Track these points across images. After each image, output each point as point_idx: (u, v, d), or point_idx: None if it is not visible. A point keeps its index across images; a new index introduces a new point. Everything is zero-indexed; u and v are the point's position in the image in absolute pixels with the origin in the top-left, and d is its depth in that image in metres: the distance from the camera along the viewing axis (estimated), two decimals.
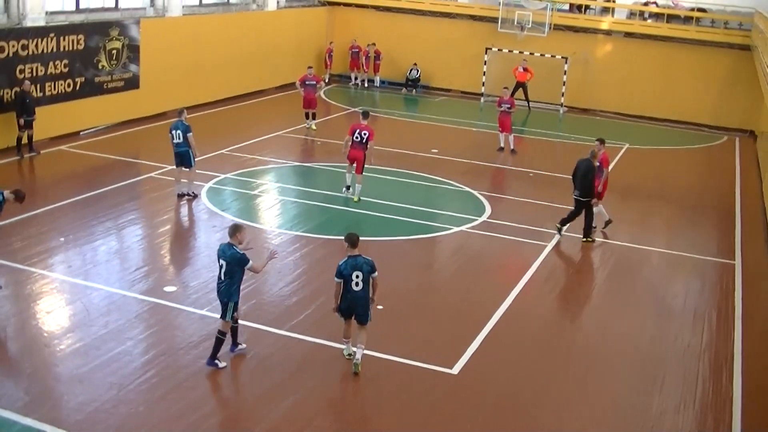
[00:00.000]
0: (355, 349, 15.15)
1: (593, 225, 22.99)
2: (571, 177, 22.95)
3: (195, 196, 24.06)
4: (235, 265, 14.66)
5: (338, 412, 13.93)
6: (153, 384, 14.09)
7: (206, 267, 19.33)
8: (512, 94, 38.60)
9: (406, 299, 18.38)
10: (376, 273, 15.00)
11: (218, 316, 15.37)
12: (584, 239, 22.79)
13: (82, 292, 17.53)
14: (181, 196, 23.96)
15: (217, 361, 14.88)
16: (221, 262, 14.80)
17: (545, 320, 18.03)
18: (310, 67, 33.98)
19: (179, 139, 23.61)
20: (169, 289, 17.88)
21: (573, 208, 22.76)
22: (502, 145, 32.33)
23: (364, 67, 45.66)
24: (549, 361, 16.11)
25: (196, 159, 24.00)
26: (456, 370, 15.26)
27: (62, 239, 20.23)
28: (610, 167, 30.12)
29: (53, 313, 16.59)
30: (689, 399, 14.97)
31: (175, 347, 15.42)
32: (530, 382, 15.23)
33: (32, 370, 14.61)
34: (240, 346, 15.54)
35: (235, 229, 15.05)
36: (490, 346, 16.29)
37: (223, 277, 14.79)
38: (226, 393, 14.07)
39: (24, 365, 14.79)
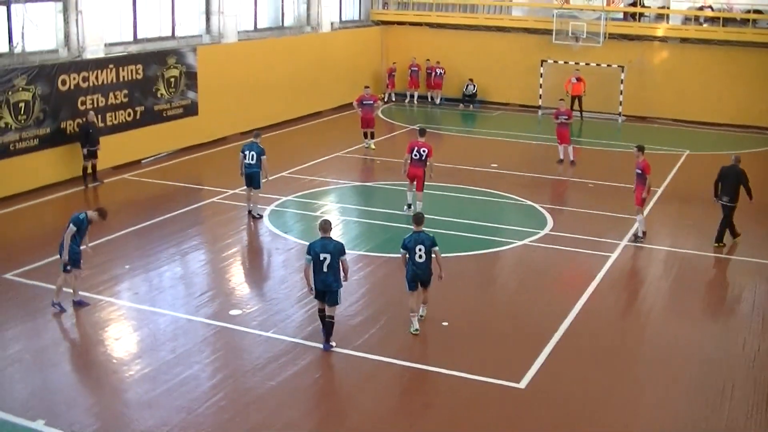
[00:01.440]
0: (422, 307, 17.70)
1: (644, 231, 23.03)
2: (714, 184, 23.60)
3: (259, 217, 24.43)
4: (337, 255, 15.94)
5: (406, 428, 13.89)
6: (221, 407, 14.19)
7: (271, 289, 19.50)
8: (570, 108, 38.57)
9: (470, 315, 18.35)
10: (438, 247, 17.12)
11: (284, 337, 16.05)
12: (715, 243, 23.09)
13: (148, 318, 17.73)
14: (250, 213, 24.62)
15: (332, 344, 16.27)
16: (323, 256, 15.89)
17: (611, 331, 17.88)
18: (367, 87, 34.14)
19: (252, 160, 24.19)
20: (234, 312, 18.00)
21: (722, 217, 23.14)
22: (561, 157, 32.15)
23: (432, 83, 45.66)
24: (616, 372, 15.97)
25: (266, 181, 24.62)
26: (523, 384, 15.18)
27: (127, 266, 20.48)
28: (671, 175, 30.03)
29: (121, 339, 16.80)
30: (761, 405, 14.74)
31: (242, 370, 15.52)
32: (597, 393, 15.11)
33: (102, 396, 14.82)
34: (332, 344, 16.31)
35: (329, 224, 16.47)
36: (556, 359, 16.20)
37: (326, 269, 15.94)
38: (292, 414, 14.10)
39: (94, 391, 14.99)
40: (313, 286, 16.19)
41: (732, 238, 23.35)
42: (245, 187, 24.71)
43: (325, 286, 16.11)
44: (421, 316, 17.64)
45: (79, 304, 17.77)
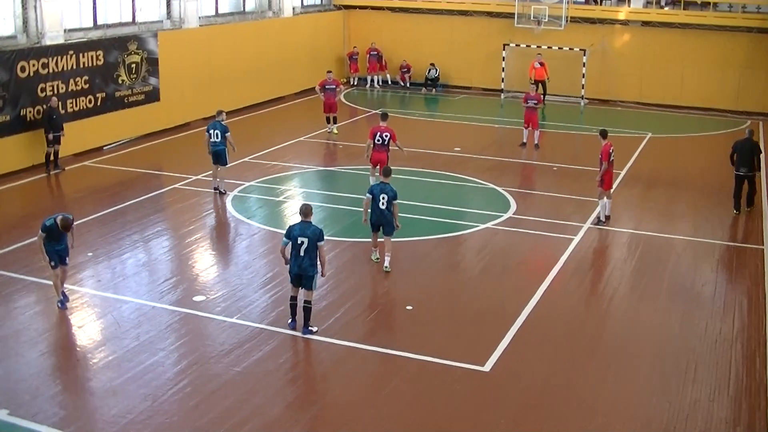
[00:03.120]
0: (385, 257, 19.79)
1: (607, 215, 23.27)
2: (729, 157, 25.05)
3: (224, 193, 25.09)
4: (315, 240, 16.11)
5: (372, 412, 13.90)
6: (186, 394, 14.17)
7: (235, 275, 19.44)
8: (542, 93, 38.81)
9: (435, 299, 18.41)
10: (397, 200, 19.59)
11: (249, 323, 16.06)
12: (748, 207, 24.95)
13: (112, 305, 17.65)
14: (216, 189, 25.18)
15: (311, 328, 16.36)
16: (301, 240, 16.09)
17: (574, 313, 17.99)
18: (329, 72, 34.11)
19: (217, 138, 24.83)
20: (198, 298, 17.96)
21: (734, 185, 24.88)
22: (524, 140, 32.20)
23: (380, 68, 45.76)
24: (580, 354, 16.08)
25: (232, 153, 25.35)
26: (488, 367, 15.27)
27: (90, 254, 20.35)
28: (633, 157, 30.23)
29: (84, 327, 16.71)
30: (723, 387, 14.90)
31: (207, 356, 15.49)
32: (562, 375, 15.21)
33: (66, 384, 14.76)
34: (312, 328, 16.36)
35: (309, 208, 16.66)
36: (521, 342, 16.29)
37: (303, 254, 16.10)
38: (259, 400, 14.08)
39: (57, 380, 14.91)
40: (289, 268, 16.36)
41: (747, 206, 24.95)
42: (212, 164, 25.22)
43: (301, 269, 16.16)
44: (386, 268, 19.73)
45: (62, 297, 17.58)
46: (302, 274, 16.20)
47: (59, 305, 17.31)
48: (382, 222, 19.70)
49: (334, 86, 33.35)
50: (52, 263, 17.12)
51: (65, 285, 17.72)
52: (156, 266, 20.16)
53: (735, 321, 17.56)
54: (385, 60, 45.81)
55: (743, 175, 24.64)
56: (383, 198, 19.47)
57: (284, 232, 16.53)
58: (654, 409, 14.15)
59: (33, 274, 18.51)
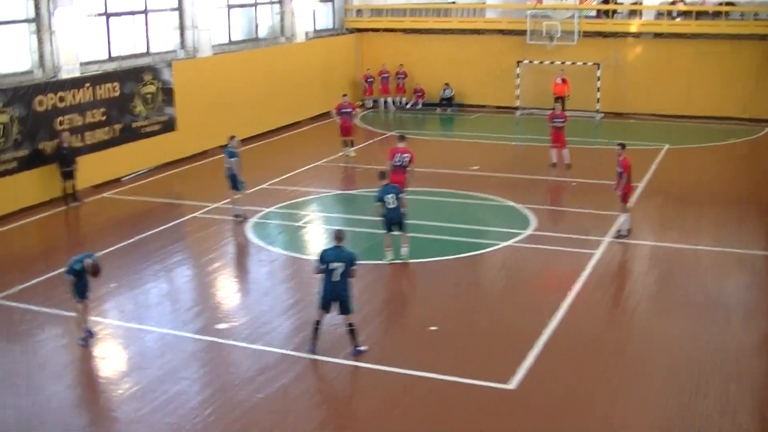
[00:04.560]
0: (402, 248, 21.55)
1: (629, 229, 23.10)
2: None
3: (243, 219, 25.11)
4: (350, 264, 16.21)
5: None
6: (211, 422, 14.15)
7: (257, 302, 19.44)
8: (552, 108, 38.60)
9: (457, 318, 18.37)
10: (403, 194, 21.46)
11: (272, 349, 16.40)
12: None
13: (135, 335, 17.68)
14: (236, 217, 25.21)
15: (361, 348, 16.43)
16: (335, 264, 16.13)
17: (598, 329, 17.91)
18: (345, 95, 34.20)
19: (227, 164, 24.96)
20: (221, 326, 17.96)
21: None
22: (554, 160, 31.41)
23: (397, 90, 45.91)
24: (605, 370, 15.98)
25: (243, 183, 25.31)
26: (513, 385, 15.18)
27: (113, 285, 20.36)
28: (651, 170, 30.14)
29: (108, 358, 16.75)
30: (751, 398, 14.78)
31: (231, 384, 15.47)
32: (588, 391, 15.12)
33: (92, 416, 14.80)
34: (361, 348, 16.41)
35: (342, 233, 16.83)
36: (545, 359, 16.21)
37: (339, 278, 16.15)
38: (285, 426, 14.06)
39: (83, 412, 14.96)
40: (321, 295, 16.41)
41: None
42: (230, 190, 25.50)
43: (337, 295, 16.20)
44: (403, 256, 21.58)
45: (88, 333, 17.55)
46: (338, 299, 16.21)
47: (81, 343, 17.12)
48: (395, 221, 21.39)
49: (350, 109, 33.42)
50: (78, 299, 17.09)
51: (98, 318, 17.73)
52: (178, 295, 20.21)
53: (757, 330, 17.43)
54: (405, 82, 45.85)
55: None
56: (390, 197, 21.19)
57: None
58: (685, 422, 14.03)
59: (55, 306, 18.51)
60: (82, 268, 16.90)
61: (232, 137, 25.65)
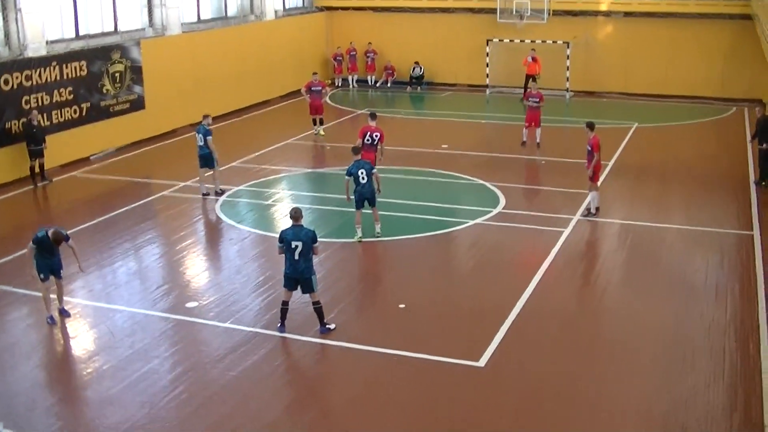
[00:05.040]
0: (376, 225, 21.75)
1: (597, 207, 23.27)
2: (752, 135, 27.26)
3: (221, 193, 25.48)
4: (309, 242, 16.08)
5: (369, 411, 13.90)
6: (183, 400, 14.14)
7: (227, 280, 19.42)
8: (524, 87, 38.70)
9: (427, 296, 18.41)
10: (375, 169, 21.60)
11: (242, 327, 16.33)
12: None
13: (105, 314, 17.62)
14: (205, 195, 25.37)
15: (328, 326, 16.54)
16: (295, 243, 16.05)
17: (568, 305, 18.02)
18: (315, 73, 34.15)
19: (201, 142, 25.12)
20: (191, 304, 17.93)
21: (761, 161, 26.36)
22: (525, 139, 31.51)
23: (366, 68, 45.92)
24: (575, 347, 16.10)
25: (217, 160, 25.52)
26: (483, 362, 15.25)
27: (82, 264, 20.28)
28: (621, 148, 30.29)
29: (78, 337, 16.68)
30: (718, 373, 14.92)
31: (202, 362, 15.47)
32: (558, 368, 15.21)
33: (62, 395, 14.73)
34: (329, 326, 16.53)
35: (299, 212, 16.56)
36: (515, 336, 16.30)
37: (298, 257, 16.09)
38: (256, 404, 14.07)
39: (53, 391, 14.89)
40: (284, 275, 16.41)
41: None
42: (199, 169, 25.59)
43: (298, 273, 16.17)
44: (378, 233, 21.73)
45: (62, 313, 17.47)
46: (299, 277, 16.19)
47: (49, 321, 17.15)
48: (366, 196, 21.41)
49: (320, 88, 33.38)
50: (41, 276, 17.05)
51: (65, 298, 17.68)
52: (148, 274, 20.14)
53: (728, 307, 17.60)
54: (375, 60, 45.86)
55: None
56: (362, 173, 21.20)
57: (276, 236, 16.52)
58: (653, 399, 14.16)
59: (24, 287, 18.38)
60: (44, 236, 16.81)
61: (206, 115, 25.68)
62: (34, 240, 16.87)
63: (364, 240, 21.53)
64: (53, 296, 17.53)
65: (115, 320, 17.33)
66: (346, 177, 21.31)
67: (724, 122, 36.32)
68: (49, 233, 16.83)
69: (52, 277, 17.25)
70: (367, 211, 21.70)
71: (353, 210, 21.64)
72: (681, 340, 16.17)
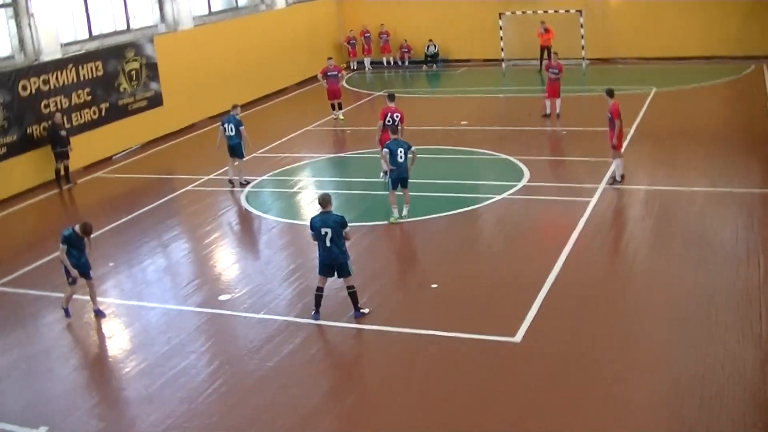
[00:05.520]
0: (404, 207, 21.60)
1: (622, 175, 23.13)
2: None
3: (247, 183, 25.55)
4: (339, 227, 16.01)
5: (408, 392, 13.88)
6: (222, 393, 14.18)
7: (257, 271, 19.44)
8: (540, 59, 38.55)
9: (459, 275, 18.38)
10: (413, 148, 21.35)
11: (276, 317, 16.40)
12: None
13: (138, 313, 17.69)
14: (232, 183, 25.75)
15: (363, 310, 16.53)
16: (325, 230, 16.03)
17: (599, 275, 17.95)
18: (330, 58, 34.11)
19: (232, 132, 25.38)
20: (223, 297, 17.97)
21: None
22: (547, 111, 31.54)
23: (382, 49, 45.88)
24: (610, 316, 16.01)
25: (247, 149, 25.93)
26: (518, 338, 15.22)
27: (111, 264, 20.38)
28: (641, 114, 30.11)
29: (113, 337, 16.75)
30: (751, 336, 14.78)
31: (239, 354, 15.51)
32: (591, 341, 15.13)
33: (101, 396, 14.79)
34: (363, 310, 16.52)
35: (327, 198, 16.41)
36: (549, 310, 16.24)
37: (329, 243, 16.08)
38: (295, 392, 14.08)
39: (93, 392, 14.96)
40: (318, 261, 16.45)
41: None
42: (229, 157, 25.57)
43: (332, 259, 16.18)
44: (404, 216, 21.57)
45: (97, 314, 17.59)
46: (334, 263, 16.20)
47: (65, 315, 17.43)
48: (402, 176, 21.26)
49: (335, 72, 33.34)
50: (69, 279, 17.13)
51: (98, 298, 17.78)
52: (177, 270, 20.20)
53: (761, 267, 17.46)
54: (389, 41, 45.78)
55: None
56: (401, 151, 21.03)
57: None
58: (684, 360, 14.10)
59: (57, 289, 18.45)
60: (72, 233, 16.90)
61: (235, 105, 25.98)
62: (63, 239, 16.93)
63: (400, 221, 21.53)
64: (82, 297, 17.65)
65: (149, 318, 17.40)
66: (384, 150, 21.29)
67: (744, 80, 36.02)
68: (76, 228, 16.92)
69: (80, 281, 17.31)
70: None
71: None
72: (712, 302, 16.08)
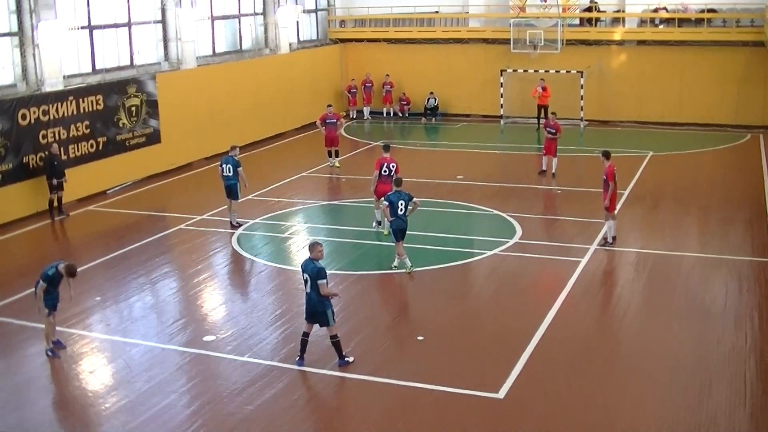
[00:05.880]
0: (395, 259, 21.44)
1: (613, 236, 23.17)
2: None
3: (239, 225, 25.50)
4: (314, 278, 15.88)
5: None
6: None
7: (243, 313, 19.39)
8: (538, 117, 38.80)
9: (446, 328, 18.35)
10: (415, 198, 21.43)
11: (260, 361, 16.29)
12: None
13: (122, 349, 17.61)
14: (231, 223, 25.76)
15: (347, 359, 16.39)
16: (305, 276, 16.06)
17: (586, 334, 17.93)
18: (329, 105, 34.24)
19: (229, 172, 25.41)
20: (208, 338, 17.90)
21: None
22: (544, 167, 31.84)
23: (384, 100, 46.07)
24: (594, 376, 15.98)
25: (244, 189, 25.98)
26: (502, 394, 15.17)
27: (98, 298, 20.33)
28: (636, 176, 30.22)
29: (95, 372, 16.66)
30: (739, 401, 14.81)
31: (220, 396, 15.42)
32: (577, 399, 15.11)
33: (81, 430, 14.67)
34: (348, 359, 16.38)
35: (313, 245, 16.38)
36: (534, 367, 16.20)
37: (309, 290, 16.05)
38: None
39: (72, 426, 14.86)
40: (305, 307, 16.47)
41: None
42: (227, 198, 25.70)
43: (311, 307, 16.14)
44: (394, 266, 21.50)
45: (57, 345, 17.51)
46: (313, 311, 16.15)
47: (50, 353, 17.20)
48: (403, 227, 21.24)
49: (334, 120, 33.47)
50: (47, 310, 17.10)
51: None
52: (164, 308, 20.14)
53: (747, 335, 17.48)
54: (393, 92, 46.03)
55: None
56: (401, 204, 21.07)
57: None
58: (673, 425, 14.06)
59: (42, 321, 18.38)
60: (56, 272, 16.87)
61: (234, 146, 25.98)
62: (45, 278, 16.89)
63: (393, 271, 21.55)
64: (67, 329, 17.60)
65: (132, 354, 17.31)
66: (385, 202, 21.35)
67: (739, 149, 36.23)
68: (61, 268, 16.89)
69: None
70: (390, 244, 21.66)
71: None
72: (701, 368, 16.07)
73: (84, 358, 17.23)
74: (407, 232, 21.53)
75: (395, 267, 21.50)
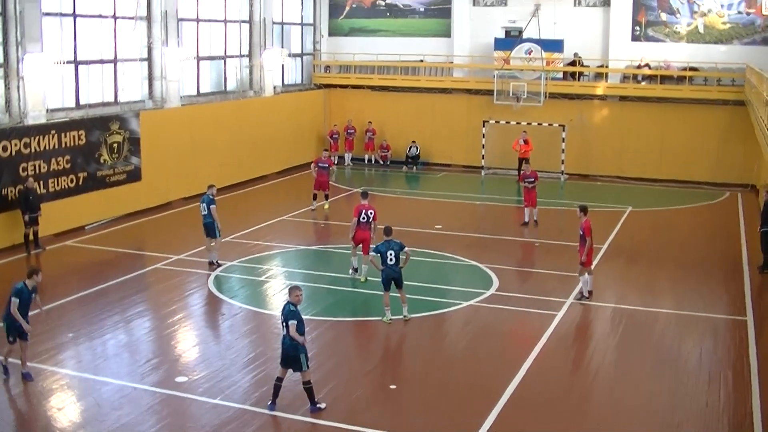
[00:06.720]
0: (403, 307, 21.18)
1: (590, 291, 23.23)
2: (762, 215, 26.46)
3: (218, 266, 25.52)
4: (286, 319, 15.91)
5: None
6: None
7: (217, 355, 19.28)
8: (518, 170, 38.96)
9: (419, 378, 18.31)
10: (406, 248, 21.19)
11: (231, 404, 16.08)
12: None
13: (92, 386, 17.46)
14: (210, 264, 25.72)
15: (319, 405, 16.25)
16: (281, 318, 16.18)
17: (560, 390, 17.88)
18: (325, 150, 35.02)
19: (205, 211, 25.72)
20: (180, 379, 17.78)
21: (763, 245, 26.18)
22: (526, 219, 32.02)
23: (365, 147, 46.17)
24: (565, 430, 15.93)
25: (220, 230, 25.85)
26: None
27: (71, 335, 20.19)
28: (614, 232, 30.32)
29: (64, 409, 16.51)
30: None
31: None
32: None
33: None
34: (320, 405, 16.26)
35: (291, 288, 16.56)
36: (506, 420, 16.15)
37: (285, 333, 16.03)
38: None
39: None
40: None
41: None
42: (206, 238, 25.94)
43: (284, 350, 16.12)
44: (405, 316, 21.22)
45: (25, 377, 17.43)
46: (287, 355, 16.09)
47: (26, 378, 17.42)
48: (393, 277, 21.00)
49: (326, 165, 33.63)
50: (10, 338, 17.29)
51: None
52: (137, 347, 20.00)
53: (721, 393, 17.49)
54: (374, 139, 46.13)
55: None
56: (390, 254, 20.91)
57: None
58: None
59: (11, 355, 18.24)
60: (23, 285, 17.24)
61: (211, 185, 26.20)
62: (15, 292, 17.07)
63: (393, 319, 21.37)
64: (14, 360, 17.63)
65: (102, 393, 17.17)
66: (373, 253, 21.46)
67: (718, 207, 36.45)
68: (27, 282, 17.13)
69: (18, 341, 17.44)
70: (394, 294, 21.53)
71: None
72: (673, 424, 16.06)
73: (54, 394, 17.07)
74: (404, 282, 21.41)
75: (390, 318, 21.25)
